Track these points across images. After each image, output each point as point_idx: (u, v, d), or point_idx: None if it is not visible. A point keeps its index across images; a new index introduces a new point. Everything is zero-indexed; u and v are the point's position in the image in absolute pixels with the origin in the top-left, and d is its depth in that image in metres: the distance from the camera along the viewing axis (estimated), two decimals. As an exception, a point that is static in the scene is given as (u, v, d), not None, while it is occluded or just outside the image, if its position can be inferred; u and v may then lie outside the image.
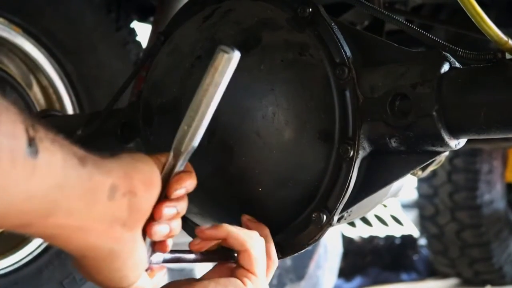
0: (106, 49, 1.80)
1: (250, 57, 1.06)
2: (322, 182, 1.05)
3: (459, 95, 0.99)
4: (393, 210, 5.09)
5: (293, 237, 1.09)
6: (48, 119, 1.54)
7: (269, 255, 1.02)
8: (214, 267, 1.01)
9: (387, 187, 1.14)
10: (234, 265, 0.99)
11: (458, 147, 1.05)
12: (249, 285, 0.95)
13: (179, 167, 0.87)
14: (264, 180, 1.06)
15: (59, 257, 1.61)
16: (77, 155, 0.71)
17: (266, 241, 1.01)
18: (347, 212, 1.11)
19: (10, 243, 1.59)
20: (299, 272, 3.03)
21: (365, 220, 4.77)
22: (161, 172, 0.85)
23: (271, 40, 1.08)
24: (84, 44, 1.76)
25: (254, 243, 0.97)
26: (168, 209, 0.84)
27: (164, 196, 0.85)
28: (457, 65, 1.04)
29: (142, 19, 2.11)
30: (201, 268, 2.22)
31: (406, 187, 1.95)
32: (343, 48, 1.06)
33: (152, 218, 0.83)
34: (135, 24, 1.97)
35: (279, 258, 1.09)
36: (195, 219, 1.17)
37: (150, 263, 0.87)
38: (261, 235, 1.00)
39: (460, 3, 0.95)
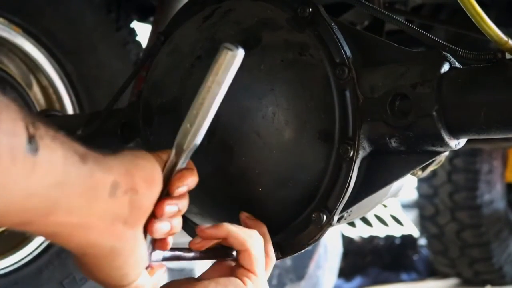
0: (106, 49, 1.80)
1: (250, 57, 1.06)
2: (322, 182, 1.05)
3: (459, 95, 0.99)
4: (393, 210, 5.09)
5: (293, 237, 1.09)
6: (48, 119, 1.54)
7: (267, 253, 1.02)
8: (213, 265, 1.01)
9: (387, 187, 1.14)
10: (233, 263, 0.99)
11: (458, 147, 1.05)
12: (249, 285, 0.95)
13: (181, 164, 0.87)
14: (264, 180, 1.06)
15: (59, 257, 1.61)
16: (78, 152, 0.71)
17: (264, 239, 1.01)
18: (347, 212, 1.11)
19: (10, 243, 1.59)
20: (299, 272, 3.03)
21: (365, 220, 4.77)
22: (163, 170, 0.84)
23: (271, 40, 1.08)
24: (84, 44, 1.76)
25: (254, 242, 0.97)
26: (170, 207, 0.84)
27: (165, 194, 0.85)
28: (457, 65, 1.04)
29: (142, 19, 2.11)
30: (201, 268, 2.22)
31: (406, 187, 1.95)
32: (343, 48, 1.06)
33: (153, 216, 0.83)
34: (135, 24, 1.97)
35: (279, 258, 1.09)
36: (195, 219, 1.17)
37: (150, 261, 0.87)
38: (259, 233, 1.00)
39: (460, 3, 0.95)
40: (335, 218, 1.06)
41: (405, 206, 5.27)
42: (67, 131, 0.72)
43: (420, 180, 3.93)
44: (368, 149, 1.06)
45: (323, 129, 1.04)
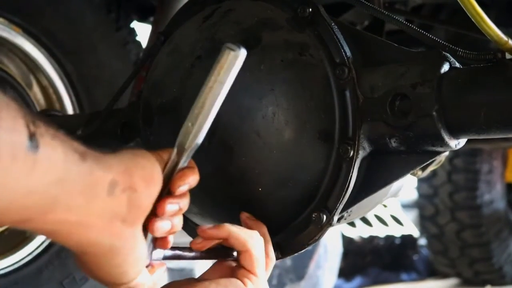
0: (106, 49, 1.80)
1: (250, 57, 1.06)
2: (322, 182, 1.05)
3: (459, 95, 0.99)
4: (393, 210, 5.09)
5: (293, 237, 1.09)
6: (48, 118, 1.54)
7: (267, 253, 1.02)
8: (213, 265, 1.01)
9: (387, 187, 1.14)
10: (233, 263, 0.99)
11: (458, 147, 1.05)
12: (250, 286, 0.95)
13: (182, 163, 0.87)
14: (264, 180, 1.06)
15: (59, 257, 1.61)
16: (77, 151, 0.71)
17: (264, 240, 1.01)
18: (347, 212, 1.11)
19: (10, 243, 1.59)
20: (299, 272, 3.04)
21: (365, 220, 4.77)
22: (164, 169, 0.85)
23: (271, 40, 1.08)
24: (84, 44, 1.76)
25: (255, 243, 0.97)
26: (171, 205, 0.85)
27: (167, 192, 0.85)
28: (457, 65, 1.04)
29: (142, 19, 2.11)
30: (201, 268, 2.22)
31: (406, 187, 1.95)
32: (343, 48, 1.06)
33: (154, 214, 0.83)
34: (135, 24, 1.97)
35: (279, 258, 1.09)
36: (195, 219, 1.17)
37: (151, 259, 0.88)
38: (259, 233, 1.00)
39: (460, 3, 0.95)
40: (335, 218, 1.06)
41: (405, 206, 5.27)
42: (67, 131, 0.72)
43: (420, 180, 3.94)
44: (368, 149, 1.06)
45: (323, 129, 1.04)
